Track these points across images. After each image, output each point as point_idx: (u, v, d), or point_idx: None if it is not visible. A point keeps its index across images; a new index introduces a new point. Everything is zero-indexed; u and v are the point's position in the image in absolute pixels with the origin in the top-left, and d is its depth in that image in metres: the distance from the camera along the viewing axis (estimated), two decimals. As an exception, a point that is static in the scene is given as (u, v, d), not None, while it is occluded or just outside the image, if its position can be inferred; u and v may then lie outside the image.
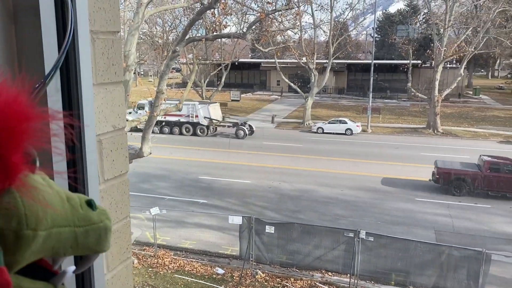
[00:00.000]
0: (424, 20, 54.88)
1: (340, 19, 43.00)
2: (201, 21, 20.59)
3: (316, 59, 37.62)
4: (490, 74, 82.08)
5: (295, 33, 37.77)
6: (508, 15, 32.72)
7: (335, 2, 36.21)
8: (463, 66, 35.76)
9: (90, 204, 0.71)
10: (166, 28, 33.73)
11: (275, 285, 13.35)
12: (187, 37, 13.16)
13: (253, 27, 17.39)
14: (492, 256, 12.11)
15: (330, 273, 13.78)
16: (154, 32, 34.71)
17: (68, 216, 0.66)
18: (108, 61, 0.99)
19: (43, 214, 0.61)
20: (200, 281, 13.21)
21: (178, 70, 47.78)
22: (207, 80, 41.20)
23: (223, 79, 40.01)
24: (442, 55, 33.14)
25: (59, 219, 0.64)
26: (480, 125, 37.04)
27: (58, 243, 0.65)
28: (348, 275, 13.27)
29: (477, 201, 19.14)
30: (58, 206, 0.64)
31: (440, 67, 34.08)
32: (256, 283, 13.34)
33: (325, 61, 39.96)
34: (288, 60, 50.00)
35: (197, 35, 25.71)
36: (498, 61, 75.74)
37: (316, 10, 36.85)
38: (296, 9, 21.85)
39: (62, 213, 0.65)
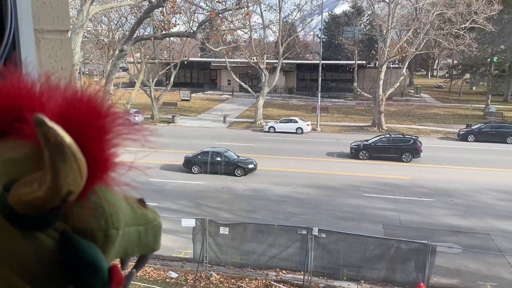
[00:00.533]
0: (368, 22, 56.78)
1: (289, 19, 43.53)
2: (148, 19, 20.06)
3: (266, 59, 37.86)
4: (429, 73, 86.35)
5: (245, 33, 37.85)
6: (445, 17, 34.50)
7: (283, 2, 36.60)
8: (405, 66, 37.31)
9: (143, 202, 0.70)
10: (112, 26, 32.64)
11: (230, 286, 13.27)
12: (134, 36, 12.75)
13: (203, 26, 17.18)
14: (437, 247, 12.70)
15: (284, 271, 13.89)
16: (99, 31, 33.53)
17: (132, 215, 0.65)
18: (56, 65, 0.86)
19: (120, 213, 0.61)
20: (153, 286, 12.87)
21: (125, 70, 46.41)
22: (156, 79, 40.27)
23: (172, 78, 39.29)
24: (386, 55, 34.39)
25: (127, 218, 0.63)
26: (421, 123, 38.82)
27: (129, 242, 0.64)
28: (302, 272, 13.43)
29: None
30: (124, 205, 0.64)
31: (384, 67, 35.36)
32: (211, 285, 13.19)
33: (275, 61, 40.30)
34: (238, 60, 49.97)
35: (145, 33, 25.10)
36: (437, 61, 79.88)
37: (265, 10, 37.04)
38: (246, 9, 21.85)
39: (127, 212, 0.64)
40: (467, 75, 53.74)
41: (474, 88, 58.97)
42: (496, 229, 16.12)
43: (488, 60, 44.81)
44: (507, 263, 13.04)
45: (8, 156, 0.55)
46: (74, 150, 0.49)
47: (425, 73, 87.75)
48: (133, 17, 28.70)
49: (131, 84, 45.93)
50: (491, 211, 18.09)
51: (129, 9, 28.47)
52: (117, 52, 12.88)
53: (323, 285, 13.21)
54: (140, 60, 37.09)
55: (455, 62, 59.22)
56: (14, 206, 0.51)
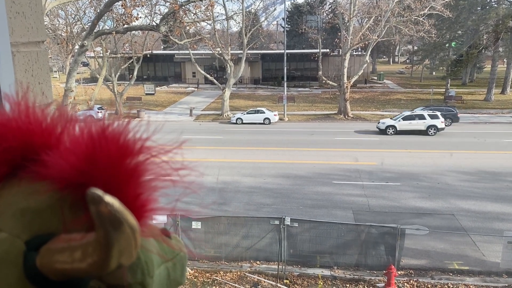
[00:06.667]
0: (330, 10, 57.30)
1: (251, 9, 43.34)
2: (109, 13, 19.48)
3: (231, 50, 37.62)
4: (391, 60, 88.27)
5: (209, 24, 37.40)
6: (405, 4, 35.22)
7: (246, -8, 36.34)
8: (368, 53, 37.95)
9: (166, 232, 0.61)
10: (70, 20, 31.55)
11: (205, 280, 13.22)
12: (95, 31, 12.34)
13: (167, 18, 16.84)
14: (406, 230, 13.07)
15: (258, 262, 13.96)
16: (56, 25, 32.35)
17: (160, 252, 0.57)
18: (34, 80, 0.78)
19: (153, 257, 0.55)
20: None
21: (86, 65, 45.02)
22: (118, 73, 39.30)
23: (135, 72, 38.44)
24: (349, 43, 34.85)
25: (157, 258, 0.57)
26: (385, 109, 39.70)
27: (160, 285, 0.57)
28: (276, 262, 13.54)
29: None
30: (153, 245, 0.56)
31: (348, 55, 35.84)
32: (185, 281, 13.10)
33: (239, 51, 40.09)
34: (202, 51, 49.46)
35: (106, 27, 24.38)
36: (398, 47, 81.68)
37: (227, 1, 36.70)
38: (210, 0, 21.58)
39: (156, 252, 0.57)
40: (427, 61, 55.25)
41: (434, 73, 60.70)
42: (459, 209, 16.74)
43: (447, 45, 46.18)
44: (471, 242, 13.59)
45: (26, 204, 0.47)
46: (134, 226, 0.43)
47: (387, 59, 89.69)
48: (91, 10, 27.85)
49: (92, 80, 44.69)
50: (454, 192, 18.77)
51: (89, 2, 27.57)
52: (77, 48, 12.45)
53: (297, 273, 13.37)
54: (101, 55, 36.07)
55: (415, 48, 60.70)
56: (44, 272, 0.44)
